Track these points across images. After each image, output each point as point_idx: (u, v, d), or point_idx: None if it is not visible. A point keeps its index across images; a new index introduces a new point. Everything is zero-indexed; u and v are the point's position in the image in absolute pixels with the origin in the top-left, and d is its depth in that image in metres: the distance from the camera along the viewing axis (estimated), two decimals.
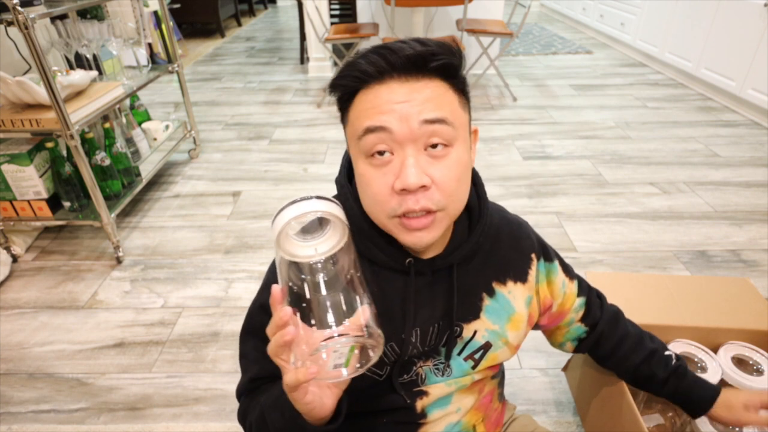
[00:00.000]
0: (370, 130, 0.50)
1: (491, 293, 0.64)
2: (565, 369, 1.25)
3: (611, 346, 0.78)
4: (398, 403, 0.63)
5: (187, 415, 1.19)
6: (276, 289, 0.44)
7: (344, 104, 0.55)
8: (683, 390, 0.76)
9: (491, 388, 0.72)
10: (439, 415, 0.65)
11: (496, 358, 0.66)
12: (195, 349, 1.37)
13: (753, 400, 0.73)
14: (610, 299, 0.82)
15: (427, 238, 0.53)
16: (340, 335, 0.42)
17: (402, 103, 0.49)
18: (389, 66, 0.50)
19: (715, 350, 1.02)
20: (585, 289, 0.76)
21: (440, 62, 0.51)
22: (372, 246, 0.58)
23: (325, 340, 0.42)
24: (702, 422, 0.85)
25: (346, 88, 0.53)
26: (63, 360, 1.34)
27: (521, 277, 0.66)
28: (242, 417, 0.63)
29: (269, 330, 0.45)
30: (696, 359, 0.99)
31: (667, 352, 0.78)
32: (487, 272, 0.64)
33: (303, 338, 0.43)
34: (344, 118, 0.56)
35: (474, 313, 0.63)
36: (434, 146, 0.50)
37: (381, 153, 0.51)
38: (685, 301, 1.08)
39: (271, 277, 0.63)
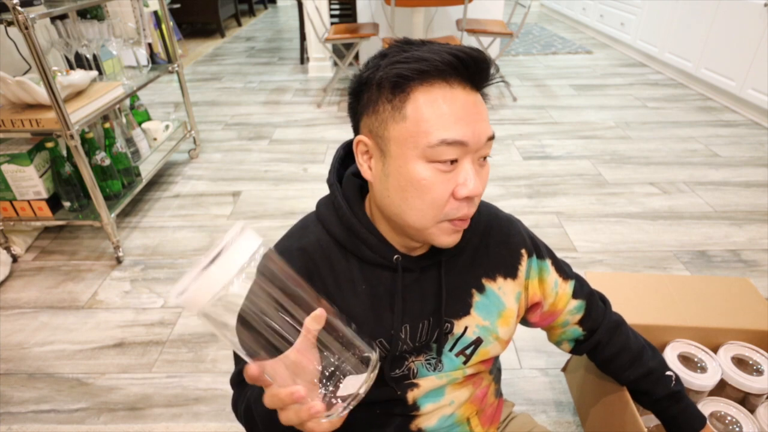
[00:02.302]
0: (448, 143, 0.50)
1: (481, 289, 0.64)
2: (564, 369, 1.25)
3: (607, 357, 0.78)
4: (389, 395, 0.64)
5: (187, 415, 1.19)
6: (252, 369, 0.40)
7: (396, 92, 0.50)
8: (673, 413, 0.78)
9: (487, 383, 0.73)
10: (432, 407, 0.66)
11: (488, 353, 0.66)
12: (195, 349, 1.37)
13: None
14: (610, 299, 0.81)
15: (460, 238, 0.57)
16: (351, 398, 0.41)
17: (473, 115, 0.51)
18: (461, 65, 0.50)
19: (715, 350, 1.02)
20: (585, 292, 0.75)
21: (496, 81, 0.54)
22: (360, 243, 0.59)
23: (343, 402, 0.41)
24: None
25: (405, 78, 0.50)
26: (63, 360, 1.34)
27: (511, 272, 0.66)
28: (234, 406, 0.65)
29: (271, 403, 0.42)
30: (696, 359, 0.99)
31: (667, 372, 0.78)
32: (477, 268, 0.64)
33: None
34: (392, 109, 0.51)
35: (464, 310, 0.64)
36: (484, 158, 0.54)
37: (453, 161, 0.51)
38: (685, 301, 1.08)
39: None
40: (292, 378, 0.41)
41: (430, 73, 0.49)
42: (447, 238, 0.55)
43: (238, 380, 0.65)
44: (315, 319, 0.40)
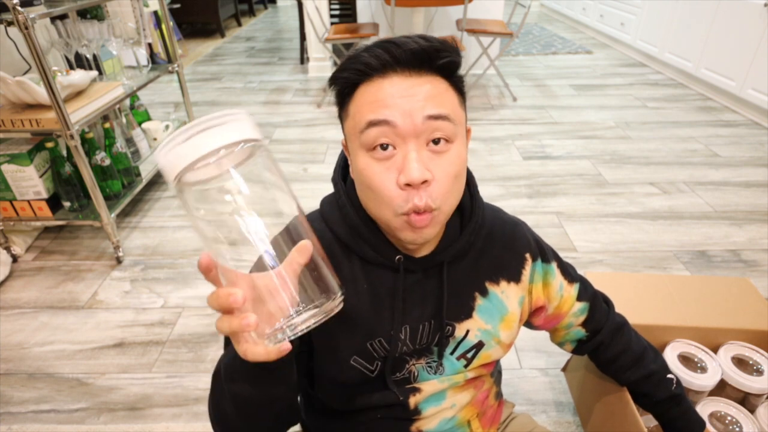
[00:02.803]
0: (372, 124, 0.50)
1: (484, 293, 0.64)
2: (564, 369, 1.25)
3: (609, 357, 0.78)
4: (391, 399, 0.64)
5: (187, 415, 1.19)
6: (203, 258, 0.39)
7: (344, 98, 0.54)
8: (673, 416, 0.78)
9: (488, 386, 0.72)
10: (433, 411, 0.66)
11: (489, 357, 0.66)
12: (195, 349, 1.37)
13: None
14: (610, 299, 0.81)
15: (429, 234, 0.53)
16: (298, 312, 0.38)
17: (405, 97, 0.50)
18: (393, 60, 0.50)
19: (715, 350, 1.02)
20: (589, 294, 0.75)
21: (445, 60, 0.51)
22: (363, 243, 0.59)
23: (286, 319, 0.38)
24: None
25: (347, 81, 0.53)
26: (63, 360, 1.34)
27: (515, 277, 0.66)
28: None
29: (209, 301, 0.40)
30: (696, 359, 0.99)
31: (669, 375, 0.78)
32: (480, 272, 0.64)
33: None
34: (343, 112, 0.55)
35: (466, 313, 0.63)
36: (436, 142, 0.51)
37: (384, 147, 0.50)
38: (685, 301, 1.08)
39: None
40: (252, 299, 0.39)
41: (367, 73, 0.51)
42: (410, 234, 0.53)
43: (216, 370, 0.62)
44: (300, 251, 0.39)
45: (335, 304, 0.40)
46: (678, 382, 0.78)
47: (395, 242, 0.59)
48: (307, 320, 0.39)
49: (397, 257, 0.59)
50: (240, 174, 0.37)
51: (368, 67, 0.51)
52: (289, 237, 0.40)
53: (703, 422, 0.78)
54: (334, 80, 0.54)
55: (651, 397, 0.79)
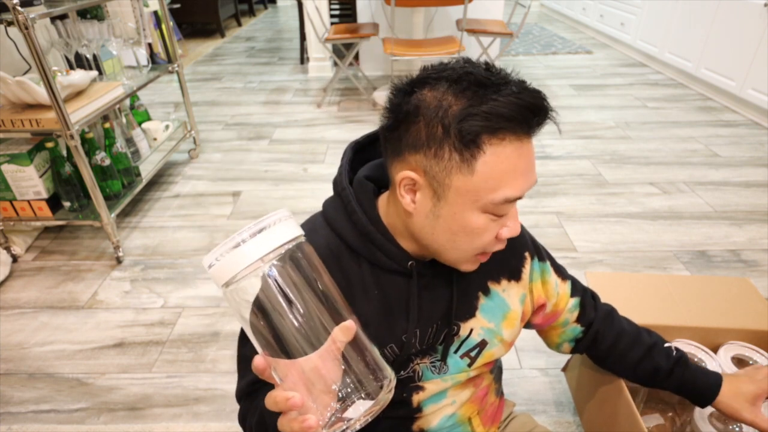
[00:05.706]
0: (510, 201, 0.52)
1: (486, 292, 0.65)
2: (564, 369, 1.25)
3: (608, 345, 0.78)
4: (395, 397, 0.63)
5: (187, 415, 1.19)
6: (258, 361, 0.40)
7: (469, 146, 0.48)
8: (689, 378, 0.75)
9: (488, 382, 0.73)
10: (433, 408, 0.66)
11: (492, 355, 0.67)
12: (195, 349, 1.37)
13: (760, 394, 0.72)
14: (610, 299, 0.82)
15: None
16: (347, 394, 0.39)
17: (533, 168, 0.53)
18: (533, 119, 0.49)
19: (715, 350, 1.02)
20: (579, 289, 0.77)
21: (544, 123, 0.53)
22: (375, 249, 0.58)
23: (337, 403, 0.39)
24: (701, 422, 0.85)
25: (480, 134, 0.48)
26: (63, 360, 1.34)
27: (515, 275, 0.67)
28: (242, 420, 0.62)
29: (268, 404, 0.40)
30: (696, 359, 0.99)
31: (666, 344, 0.78)
32: (482, 271, 0.64)
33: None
34: (463, 160, 0.49)
35: (470, 312, 0.64)
36: None
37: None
38: (685, 301, 1.08)
39: None
40: (305, 385, 0.39)
41: (505, 129, 0.48)
42: (472, 266, 0.58)
43: (247, 391, 0.61)
44: (343, 331, 0.39)
45: (387, 388, 0.41)
46: (677, 348, 0.78)
47: (408, 249, 0.59)
48: (359, 408, 0.39)
49: (410, 263, 0.59)
50: (284, 265, 0.39)
51: (515, 124, 0.48)
52: (331, 317, 0.40)
53: (718, 373, 0.76)
54: (466, 126, 0.47)
55: (660, 369, 0.76)
